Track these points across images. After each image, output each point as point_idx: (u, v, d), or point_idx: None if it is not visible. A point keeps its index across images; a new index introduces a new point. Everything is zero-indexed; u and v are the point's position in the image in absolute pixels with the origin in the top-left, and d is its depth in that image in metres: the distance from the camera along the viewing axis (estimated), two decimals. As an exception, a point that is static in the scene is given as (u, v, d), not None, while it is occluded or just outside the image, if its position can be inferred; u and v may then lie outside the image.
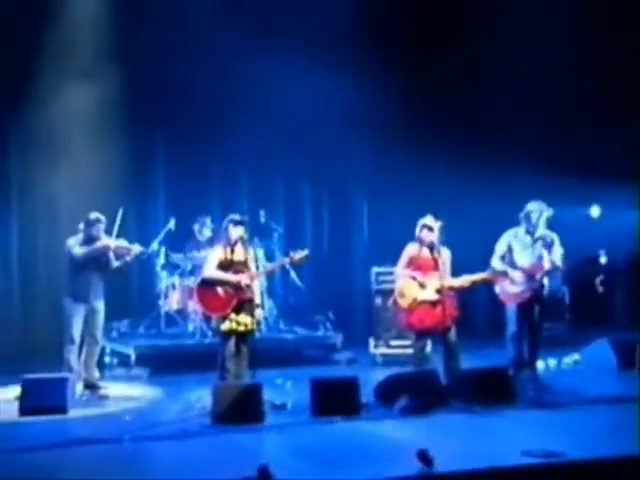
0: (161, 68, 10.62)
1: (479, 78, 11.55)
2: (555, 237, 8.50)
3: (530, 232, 8.47)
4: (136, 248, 8.51)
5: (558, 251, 8.46)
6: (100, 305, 8.38)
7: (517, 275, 8.37)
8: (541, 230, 8.45)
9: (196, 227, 10.60)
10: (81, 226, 8.39)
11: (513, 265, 8.40)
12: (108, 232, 8.39)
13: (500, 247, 8.52)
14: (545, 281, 8.44)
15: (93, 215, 8.35)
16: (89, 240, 8.31)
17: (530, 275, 8.36)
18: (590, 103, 11.91)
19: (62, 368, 8.09)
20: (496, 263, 8.43)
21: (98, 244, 8.27)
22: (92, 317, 8.33)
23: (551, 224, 8.48)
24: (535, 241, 8.46)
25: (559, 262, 8.44)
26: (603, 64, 11.70)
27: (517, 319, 8.35)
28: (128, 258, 8.48)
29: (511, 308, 8.44)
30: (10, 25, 10.04)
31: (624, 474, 5.52)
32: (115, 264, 8.44)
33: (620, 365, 9.11)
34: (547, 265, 8.37)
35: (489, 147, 11.58)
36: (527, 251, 8.45)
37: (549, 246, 8.42)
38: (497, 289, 8.45)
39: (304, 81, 10.53)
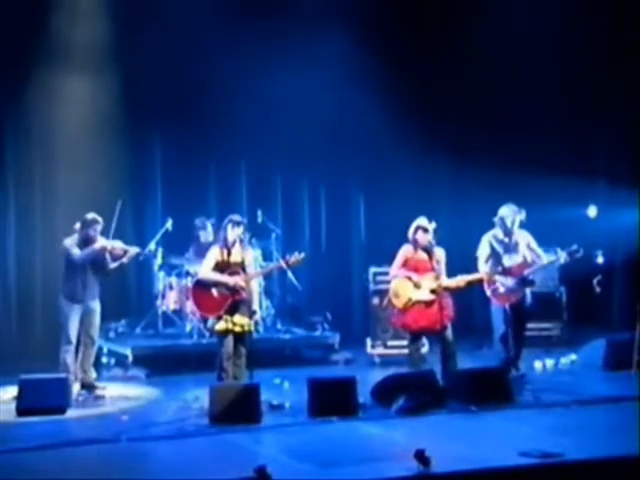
0: (160, 68, 10.61)
1: (479, 78, 11.54)
2: (530, 236, 8.55)
3: (508, 235, 8.50)
4: (133, 250, 8.48)
5: (538, 248, 8.54)
6: (96, 305, 8.35)
7: (508, 276, 8.36)
8: (516, 232, 8.49)
9: (202, 233, 10.47)
10: (77, 226, 8.34)
11: (501, 267, 8.40)
12: (107, 228, 8.35)
13: (483, 251, 8.51)
14: (533, 278, 8.47)
15: (90, 216, 8.28)
16: (86, 241, 8.25)
17: (519, 274, 8.37)
18: (589, 103, 11.91)
19: (59, 369, 8.07)
20: (483, 267, 8.43)
21: (96, 246, 8.20)
22: (88, 317, 8.30)
23: (523, 225, 8.55)
24: (516, 242, 8.49)
25: (544, 258, 8.51)
26: (603, 63, 11.69)
27: (505, 320, 8.28)
28: (125, 260, 8.42)
29: (498, 310, 8.39)
30: (10, 22, 10.02)
31: (621, 474, 5.52)
32: (112, 266, 8.40)
33: (617, 365, 9.10)
34: (543, 261, 8.43)
35: (486, 147, 11.57)
36: (510, 252, 8.46)
37: (528, 244, 8.49)
38: (488, 292, 8.40)
39: (302, 82, 10.53)
